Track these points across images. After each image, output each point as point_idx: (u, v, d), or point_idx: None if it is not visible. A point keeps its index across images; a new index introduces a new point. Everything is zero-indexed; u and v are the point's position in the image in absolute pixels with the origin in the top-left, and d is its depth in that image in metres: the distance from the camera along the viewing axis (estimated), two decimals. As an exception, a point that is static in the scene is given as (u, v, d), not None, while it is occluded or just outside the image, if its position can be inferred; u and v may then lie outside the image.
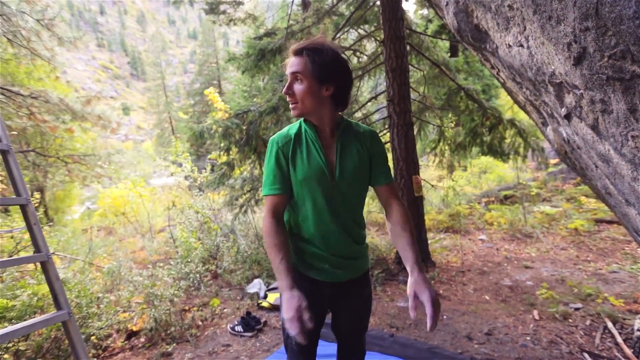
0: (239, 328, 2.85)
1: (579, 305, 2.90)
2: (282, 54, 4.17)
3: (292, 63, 1.14)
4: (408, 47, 4.31)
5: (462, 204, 6.56)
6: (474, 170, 9.56)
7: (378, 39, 5.07)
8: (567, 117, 1.11)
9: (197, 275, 3.70)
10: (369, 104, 5.85)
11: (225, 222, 5.05)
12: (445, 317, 2.90)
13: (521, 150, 4.46)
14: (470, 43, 1.55)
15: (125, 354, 2.69)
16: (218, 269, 4.19)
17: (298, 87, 1.13)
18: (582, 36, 0.76)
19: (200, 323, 3.10)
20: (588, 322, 2.64)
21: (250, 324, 2.87)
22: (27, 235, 3.64)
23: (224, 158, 4.35)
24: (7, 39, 6.35)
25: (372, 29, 5.32)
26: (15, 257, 3.16)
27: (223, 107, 7.12)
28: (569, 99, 1.00)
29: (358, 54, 5.66)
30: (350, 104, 5.22)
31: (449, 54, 9.82)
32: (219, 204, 5.40)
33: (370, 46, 5.94)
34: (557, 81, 1.00)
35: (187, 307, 3.40)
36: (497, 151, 4.58)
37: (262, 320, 2.98)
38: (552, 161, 7.90)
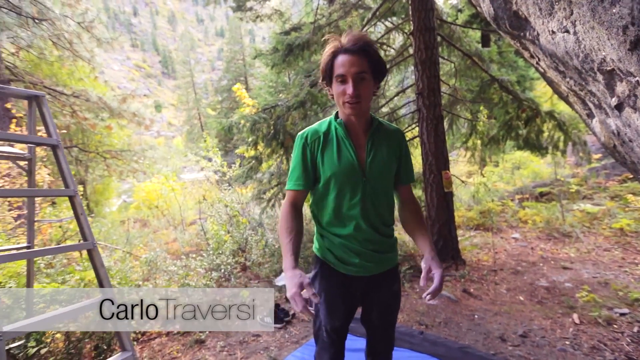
0: (268, 319, 2.92)
1: (626, 310, 2.72)
2: (310, 48, 4.16)
3: (352, 62, 1.07)
4: (438, 38, 4.18)
5: (494, 201, 6.31)
6: (506, 166, 9.15)
7: (406, 31, 4.95)
8: (618, 107, 1.03)
9: (228, 266, 3.82)
10: (396, 97, 5.73)
11: (253, 215, 5.17)
12: (476, 316, 2.82)
13: (561, 144, 4.21)
14: (508, 31, 1.48)
15: (162, 339, 2.83)
16: (247, 261, 4.30)
17: (363, 87, 1.11)
18: (641, 19, 0.70)
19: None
20: (636, 329, 2.47)
21: (279, 316, 2.93)
22: (72, 225, 3.91)
23: (252, 152, 4.44)
24: (52, 42, 6.80)
25: (400, 21, 5.20)
26: (63, 244, 3.40)
27: (251, 102, 7.23)
28: (622, 87, 0.94)
29: (385, 47, 5.56)
30: (377, 98, 5.15)
31: (480, 44, 9.41)
32: (247, 197, 5.52)
33: (398, 39, 5.81)
34: (608, 68, 0.93)
35: (218, 297, 3.52)
36: (534, 145, 4.35)
37: (291, 312, 3.03)
38: (595, 156, 7.40)
